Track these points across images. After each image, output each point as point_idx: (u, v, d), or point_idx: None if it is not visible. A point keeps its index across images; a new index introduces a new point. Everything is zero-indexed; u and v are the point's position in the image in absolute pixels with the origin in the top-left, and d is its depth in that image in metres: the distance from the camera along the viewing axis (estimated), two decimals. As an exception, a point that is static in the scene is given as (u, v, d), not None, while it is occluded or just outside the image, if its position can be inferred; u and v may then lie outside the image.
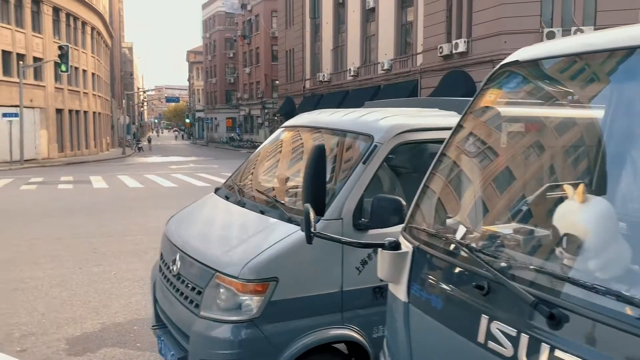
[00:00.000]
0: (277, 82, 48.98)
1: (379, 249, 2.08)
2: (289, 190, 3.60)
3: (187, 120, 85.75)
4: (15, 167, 25.71)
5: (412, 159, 3.57)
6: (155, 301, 3.69)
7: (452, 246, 1.87)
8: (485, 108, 2.17)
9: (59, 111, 34.96)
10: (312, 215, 2.04)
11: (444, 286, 1.85)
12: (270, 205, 3.29)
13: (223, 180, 15.29)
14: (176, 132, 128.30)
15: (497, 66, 2.17)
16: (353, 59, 32.73)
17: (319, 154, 2.31)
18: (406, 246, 2.06)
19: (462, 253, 1.78)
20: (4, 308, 5.24)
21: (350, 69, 32.26)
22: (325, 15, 36.20)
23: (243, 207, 3.46)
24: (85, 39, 40.57)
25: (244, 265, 2.80)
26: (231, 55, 68.62)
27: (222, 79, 70.67)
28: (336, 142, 3.49)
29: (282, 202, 3.27)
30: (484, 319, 1.60)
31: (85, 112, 39.74)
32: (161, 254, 3.76)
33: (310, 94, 38.60)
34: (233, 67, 68.80)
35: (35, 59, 32.04)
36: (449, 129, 3.32)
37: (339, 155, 3.41)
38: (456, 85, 22.80)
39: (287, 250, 2.85)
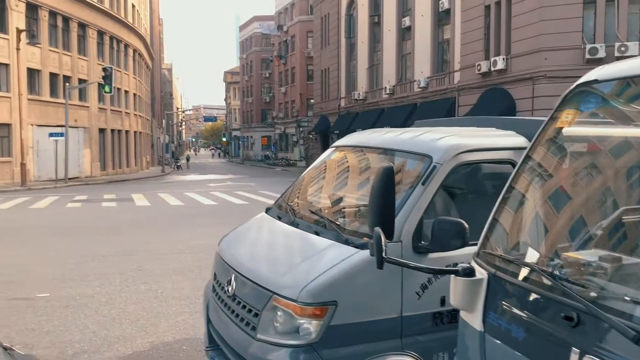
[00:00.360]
0: (312, 100, 49.40)
1: (452, 276, 2.01)
2: (343, 210, 3.57)
3: (224, 139, 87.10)
4: (60, 185, 26.55)
5: (467, 179, 3.48)
6: (209, 322, 3.68)
7: (534, 274, 1.79)
8: (560, 129, 2.09)
9: (101, 130, 36.06)
10: (383, 239, 1.99)
11: (526, 316, 1.77)
12: (324, 226, 3.25)
13: (261, 199, 15.41)
14: (213, 151, 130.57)
15: (573, 85, 2.10)
16: (389, 77, 32.74)
17: (388, 175, 2.27)
18: (480, 273, 1.99)
19: (546, 281, 1.70)
20: (57, 325, 5.34)
21: (385, 87, 32.25)
22: (360, 34, 36.43)
23: (296, 227, 3.44)
24: (128, 60, 41.90)
25: (303, 288, 2.77)
26: (267, 75, 69.73)
27: (258, 99, 71.75)
28: (389, 162, 3.44)
29: (337, 223, 3.23)
30: (575, 353, 1.52)
31: (126, 131, 40.88)
32: (214, 274, 3.76)
33: (345, 112, 38.74)
34: (269, 86, 69.82)
35: (81, 81, 33.23)
36: (508, 149, 3.27)
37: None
38: (495, 102, 22.51)
39: (346, 274, 2.80)
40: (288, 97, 58.82)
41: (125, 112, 40.60)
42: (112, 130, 37.89)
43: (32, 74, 29.28)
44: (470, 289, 1.97)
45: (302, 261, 3.04)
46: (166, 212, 15.11)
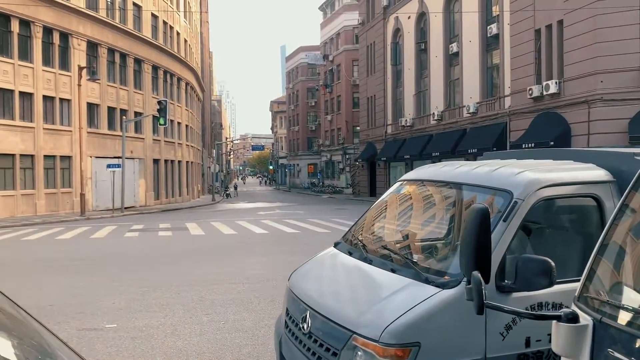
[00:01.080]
0: (358, 128, 49.61)
1: (554, 322, 1.94)
2: (417, 247, 3.53)
3: (270, 167, 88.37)
4: (117, 215, 27.49)
5: (547, 215, 3.38)
6: (282, 358, 3.68)
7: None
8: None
9: (155, 161, 37.29)
10: (483, 284, 1.95)
11: (640, 365, 1.67)
12: (401, 264, 3.22)
13: (311, 227, 15.43)
14: (260, 178, 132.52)
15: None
16: (436, 103, 32.56)
17: (483, 216, 2.23)
18: (585, 318, 1.91)
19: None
20: (126, 356, 5.46)
21: (433, 113, 32.06)
22: (407, 61, 36.52)
23: (370, 264, 3.42)
24: (180, 93, 43.43)
25: (384, 328, 2.73)
26: (313, 103, 70.73)
27: (304, 127, 72.71)
28: (466, 198, 3.39)
29: (414, 260, 3.20)
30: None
31: (179, 161, 42.11)
32: (287, 310, 3.77)
33: (392, 138, 38.65)
34: (314, 115, 70.71)
35: (136, 114, 34.62)
36: (590, 183, 3.17)
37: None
38: (548, 127, 21.96)
39: (428, 314, 2.75)
40: (334, 125, 59.32)
41: (178, 143, 41.90)
42: (166, 161, 39.11)
43: (92, 108, 30.75)
44: (575, 335, 1.89)
45: (381, 300, 3.01)
46: (220, 241, 15.35)
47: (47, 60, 27.55)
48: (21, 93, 26.04)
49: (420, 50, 34.82)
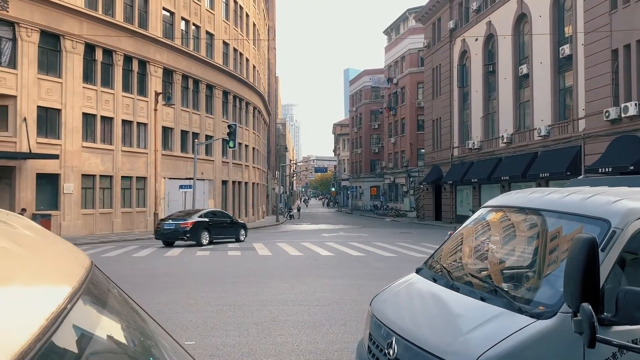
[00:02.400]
0: (422, 150, 49.14)
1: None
2: (508, 275, 3.47)
3: (333, 189, 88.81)
4: (187, 234, 28.42)
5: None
6: (366, 382, 3.69)
7: None
8: None
9: (224, 182, 38.50)
10: (594, 316, 1.92)
11: None
12: (490, 292, 3.18)
13: (376, 250, 15.32)
14: (322, 200, 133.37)
15: None
16: (505, 126, 31.79)
17: (591, 245, 2.20)
18: None
19: None
20: (207, 373, 5.64)
21: (502, 136, 31.28)
22: (474, 83, 35.99)
23: (457, 291, 3.40)
24: (248, 117, 44.81)
25: (477, 358, 2.71)
26: (376, 126, 70.84)
27: (367, 149, 72.80)
28: (557, 226, 3.32)
29: (504, 288, 3.15)
30: None
31: (245, 182, 43.25)
32: (370, 335, 3.79)
33: (459, 161, 37.95)
34: (378, 137, 70.72)
35: (207, 137, 36.00)
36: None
37: (563, 241, 3.23)
38: (627, 151, 20.91)
39: (523, 345, 2.70)
40: (398, 148, 59.01)
41: (245, 165, 43.09)
42: (233, 182, 40.29)
43: (166, 131, 32.27)
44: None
45: (472, 328, 2.98)
46: (288, 262, 15.56)
47: (126, 87, 29.28)
48: (102, 117, 27.76)
49: (488, 72, 34.26)
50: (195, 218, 21.33)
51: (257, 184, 48.27)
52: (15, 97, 23.39)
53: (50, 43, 25.17)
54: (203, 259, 16.65)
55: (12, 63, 23.53)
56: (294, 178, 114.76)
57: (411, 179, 54.24)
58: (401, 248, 19.71)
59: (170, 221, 21.37)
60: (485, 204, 4.24)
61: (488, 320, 2.97)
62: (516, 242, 3.75)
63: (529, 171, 27.56)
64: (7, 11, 22.97)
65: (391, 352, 3.30)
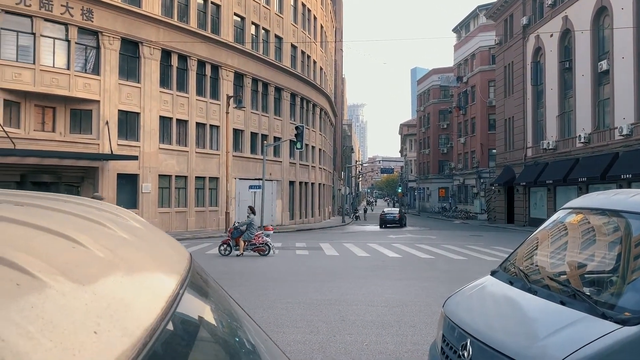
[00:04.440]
0: (494, 150, 47.69)
1: None
2: (590, 279, 3.35)
3: (399, 190, 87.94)
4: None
5: None
6: (438, 383, 3.67)
7: None
8: None
9: (291, 183, 39.13)
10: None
11: None
12: (570, 296, 3.08)
13: (446, 253, 15.07)
14: (387, 202, 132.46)
15: None
16: (583, 125, 30.28)
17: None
18: None
19: None
20: (279, 368, 5.78)
21: (580, 135, 29.82)
22: (549, 81, 34.53)
23: (535, 294, 3.31)
24: (315, 118, 45.28)
25: (557, 362, 2.63)
26: (445, 126, 69.47)
27: (435, 150, 71.53)
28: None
29: (586, 293, 3.04)
30: None
31: (312, 183, 43.73)
32: (443, 337, 3.76)
33: (533, 162, 36.53)
34: (446, 137, 69.34)
35: (275, 139, 36.73)
36: None
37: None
38: None
39: (608, 351, 2.60)
40: (467, 148, 57.57)
41: (312, 166, 43.57)
42: (300, 183, 40.86)
43: (237, 133, 33.23)
44: None
45: (552, 332, 2.90)
46: (355, 263, 15.61)
47: (200, 91, 30.41)
48: (178, 120, 28.99)
49: (564, 70, 32.76)
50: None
51: (323, 184, 48.66)
52: (98, 101, 24.90)
53: (130, 50, 26.60)
54: (272, 258, 17.02)
55: (96, 69, 25.06)
56: (360, 179, 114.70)
57: (482, 180, 52.75)
58: (471, 251, 19.24)
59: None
60: (564, 206, 4.10)
61: (569, 324, 2.88)
62: (597, 246, 3.60)
63: (609, 172, 26.09)
64: (92, 21, 24.50)
65: (466, 354, 3.27)
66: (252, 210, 18.30)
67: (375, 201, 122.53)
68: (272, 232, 19.27)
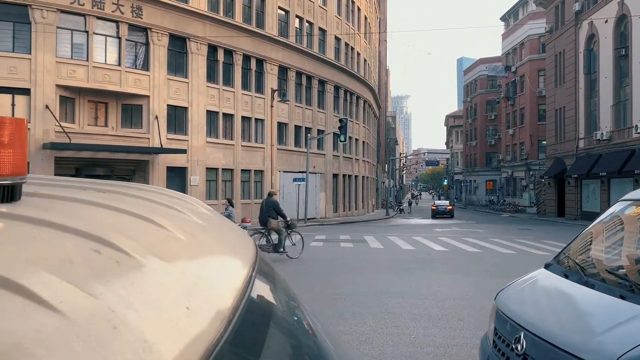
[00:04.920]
0: (544, 142, 46.29)
1: None
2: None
3: (445, 183, 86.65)
4: (300, 225, 29.29)
5: None
6: (490, 377, 3.63)
7: None
8: None
9: (334, 176, 39.19)
10: None
11: None
12: (630, 290, 2.98)
13: (494, 247, 14.75)
14: (432, 194, 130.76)
15: None
16: (640, 115, 28.97)
17: None
18: None
19: None
20: None
21: (636, 126, 28.56)
22: (603, 69, 33.18)
23: (592, 288, 3.22)
24: (359, 111, 45.11)
25: (618, 357, 2.56)
26: (492, 117, 67.88)
27: (482, 141, 70.02)
28: None
29: (648, 287, 2.94)
30: None
31: (355, 176, 43.65)
32: (495, 330, 3.72)
33: (585, 154, 35.25)
34: (494, 129, 67.75)
35: (319, 131, 36.82)
36: None
37: None
38: None
39: (672, 347, 2.51)
40: (516, 139, 56.09)
41: (355, 159, 43.49)
42: (344, 175, 40.87)
43: (281, 127, 33.51)
44: None
45: (611, 327, 2.82)
46: (400, 256, 15.52)
47: (245, 85, 30.81)
48: (224, 114, 29.49)
49: (619, 57, 31.38)
50: None
51: (367, 177, 48.49)
52: (148, 96, 25.61)
53: (178, 46, 27.20)
54: (317, 249, 17.15)
55: (146, 65, 25.76)
56: (404, 171, 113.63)
57: (531, 173, 51.31)
58: (520, 245, 18.79)
59: None
60: (623, 198, 3.96)
61: (629, 319, 2.80)
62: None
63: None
64: (142, 18, 25.18)
65: (519, 348, 3.22)
66: (229, 202, 18.31)
67: (420, 194, 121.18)
68: (249, 224, 18.65)
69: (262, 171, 31.67)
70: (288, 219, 14.85)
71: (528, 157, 52.31)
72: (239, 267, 0.95)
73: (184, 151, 26.48)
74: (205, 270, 0.82)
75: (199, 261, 0.84)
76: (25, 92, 22.00)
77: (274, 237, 14.65)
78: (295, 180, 31.50)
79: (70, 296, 0.55)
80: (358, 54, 44.86)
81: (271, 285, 1.18)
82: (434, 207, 45.69)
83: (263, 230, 14.53)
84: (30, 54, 22.14)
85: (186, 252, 0.83)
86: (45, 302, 0.52)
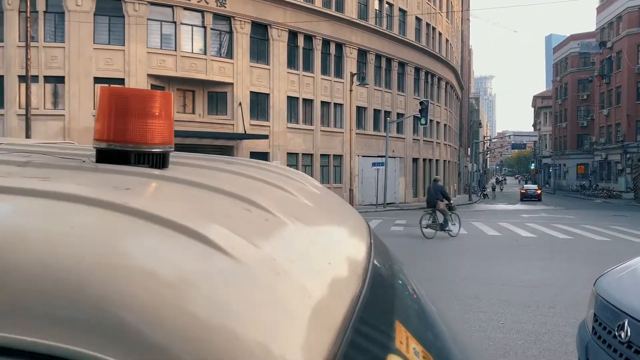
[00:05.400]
0: (643, 123, 42.95)
1: None
2: None
3: (532, 167, 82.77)
4: (379, 210, 29.34)
5: None
6: (588, 364, 3.50)
7: None
8: None
9: (414, 160, 38.60)
10: None
11: None
12: None
13: (587, 234, 14.01)
14: (518, 179, 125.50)
15: None
16: None
17: None
18: None
19: None
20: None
21: None
22: None
23: None
24: (440, 93, 44.00)
25: None
26: (584, 97, 63.80)
27: (573, 123, 66.11)
28: None
29: None
30: None
31: (436, 160, 42.74)
32: (594, 316, 3.56)
33: (693, 135, 32.29)
34: (586, 109, 63.71)
35: (399, 115, 36.35)
36: None
37: None
38: None
39: None
40: (611, 120, 52.41)
41: (436, 142, 42.55)
42: (424, 160, 40.16)
43: (360, 111, 33.42)
44: None
45: None
46: (485, 242, 15.11)
47: (324, 70, 30.97)
48: (304, 100, 29.86)
49: None
50: None
51: (449, 161, 47.33)
52: (232, 84, 26.43)
53: (259, 33, 27.78)
54: (397, 234, 17.05)
55: (230, 53, 26.57)
56: (488, 155, 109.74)
57: (628, 156, 47.81)
58: (615, 232, 17.65)
59: None
60: None
61: None
62: None
63: None
64: (225, 7, 25.94)
65: (622, 335, 3.07)
66: None
67: (505, 179, 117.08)
68: None
69: (340, 156, 31.82)
70: (451, 202, 16.34)
71: (625, 139, 48.72)
72: (364, 235, 1.00)
73: (266, 137, 27.14)
74: (335, 235, 0.87)
75: (329, 226, 0.89)
76: (120, 82, 23.41)
77: (439, 217, 16.02)
78: (374, 164, 31.37)
79: (238, 244, 0.60)
80: (440, 34, 43.61)
81: (383, 254, 1.22)
82: (523, 191, 47.47)
83: (430, 211, 16.06)
84: (123, 45, 23.52)
85: (317, 217, 0.89)
86: (221, 248, 0.57)
